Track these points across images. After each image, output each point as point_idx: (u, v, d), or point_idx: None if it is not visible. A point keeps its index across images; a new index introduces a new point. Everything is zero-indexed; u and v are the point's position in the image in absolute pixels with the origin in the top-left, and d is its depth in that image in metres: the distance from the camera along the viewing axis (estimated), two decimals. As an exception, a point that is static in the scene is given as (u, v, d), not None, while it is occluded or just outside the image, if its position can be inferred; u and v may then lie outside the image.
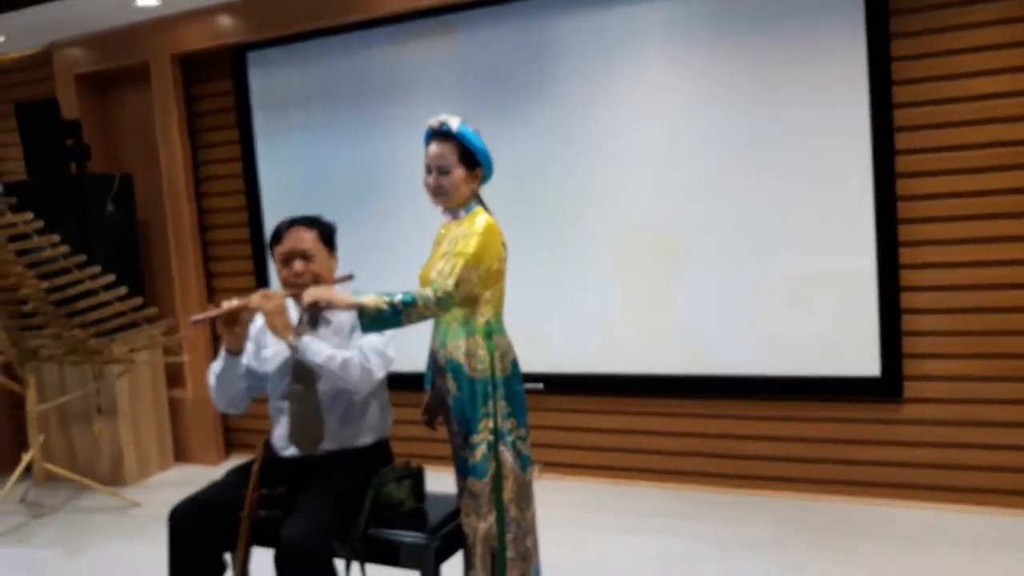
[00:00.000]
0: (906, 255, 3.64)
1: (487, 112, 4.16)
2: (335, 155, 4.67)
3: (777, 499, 3.89)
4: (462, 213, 2.52)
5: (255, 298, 2.47)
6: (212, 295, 5.10)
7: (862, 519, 3.63)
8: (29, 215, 4.03)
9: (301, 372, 2.46)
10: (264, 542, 2.47)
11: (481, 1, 4.20)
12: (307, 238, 2.62)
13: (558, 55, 4.13)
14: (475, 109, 4.30)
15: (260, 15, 4.65)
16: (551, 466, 4.31)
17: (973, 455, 3.61)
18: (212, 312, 2.49)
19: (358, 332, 2.44)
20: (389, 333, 2.53)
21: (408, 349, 2.93)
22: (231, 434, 5.22)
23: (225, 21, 4.75)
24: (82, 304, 4.18)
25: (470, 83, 4.30)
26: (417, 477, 2.63)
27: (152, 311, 4.26)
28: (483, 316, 2.47)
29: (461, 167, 2.48)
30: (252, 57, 4.83)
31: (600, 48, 4.04)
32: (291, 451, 2.59)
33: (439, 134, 2.49)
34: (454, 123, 2.48)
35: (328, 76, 4.65)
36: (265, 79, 4.83)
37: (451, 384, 2.48)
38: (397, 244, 4.30)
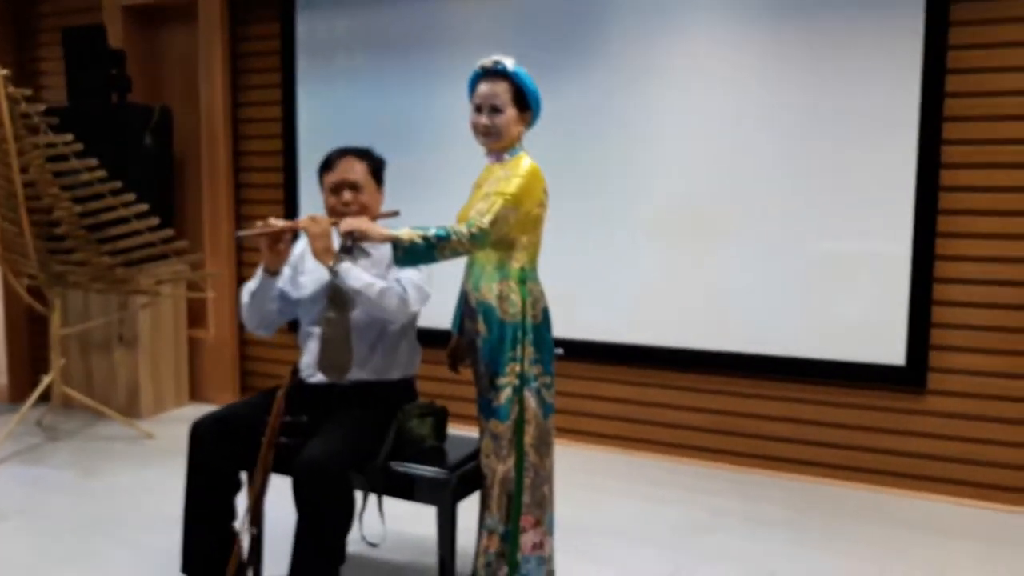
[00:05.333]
0: (942, 246, 3.60)
1: (535, 69, 4.11)
2: (377, 105, 4.65)
3: (793, 481, 3.88)
4: (507, 156, 2.51)
5: (303, 220, 2.48)
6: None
7: (877, 506, 3.61)
8: (69, 137, 4.01)
9: (336, 299, 2.46)
10: (281, 469, 2.48)
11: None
12: (358, 169, 2.63)
13: (611, 18, 4.09)
14: (523, 64, 4.29)
15: (313, -41, 4.64)
16: (565, 432, 4.30)
17: (993, 451, 3.58)
18: (261, 229, 2.49)
19: (396, 268, 2.44)
20: (426, 270, 2.53)
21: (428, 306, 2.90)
22: (248, 377, 5.25)
23: (278, -37, 4.74)
24: (113, 231, 4.18)
25: (520, 39, 4.24)
26: (440, 416, 2.63)
27: (183, 244, 4.26)
28: (518, 261, 2.47)
29: (513, 107, 2.47)
30: (301, 1, 4.82)
31: (654, 15, 3.99)
32: (318, 378, 2.59)
33: (492, 73, 2.48)
34: (509, 63, 2.48)
35: (377, 26, 4.62)
36: (313, 24, 4.81)
37: (481, 326, 2.47)
38: (432, 198, 4.24)
